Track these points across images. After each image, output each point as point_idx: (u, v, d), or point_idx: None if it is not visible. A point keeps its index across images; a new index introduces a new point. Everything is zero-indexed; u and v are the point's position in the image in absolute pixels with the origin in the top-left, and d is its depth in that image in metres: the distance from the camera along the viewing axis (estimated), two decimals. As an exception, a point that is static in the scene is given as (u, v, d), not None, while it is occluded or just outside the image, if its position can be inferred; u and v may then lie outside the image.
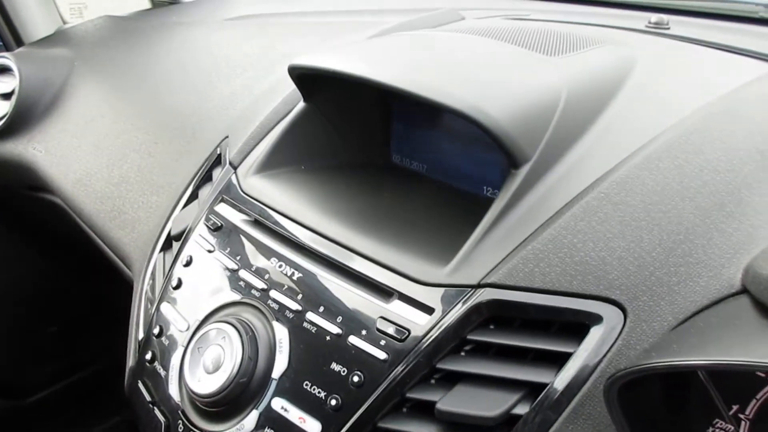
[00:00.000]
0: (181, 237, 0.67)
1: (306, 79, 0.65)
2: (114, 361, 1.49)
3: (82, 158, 0.94)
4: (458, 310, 0.47)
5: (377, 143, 0.72)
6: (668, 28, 0.83)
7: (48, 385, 1.38)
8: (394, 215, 0.60)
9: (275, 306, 0.54)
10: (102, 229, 0.84)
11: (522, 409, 0.44)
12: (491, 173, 0.63)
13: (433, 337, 0.47)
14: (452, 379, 0.47)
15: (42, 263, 1.33)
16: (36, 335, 1.36)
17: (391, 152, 0.72)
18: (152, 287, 0.66)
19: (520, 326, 0.47)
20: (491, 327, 0.47)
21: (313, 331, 0.51)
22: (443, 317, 0.47)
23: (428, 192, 0.66)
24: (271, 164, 0.67)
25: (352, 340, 0.49)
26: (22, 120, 1.06)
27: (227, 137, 0.75)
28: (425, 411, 0.47)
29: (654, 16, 0.84)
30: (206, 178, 0.73)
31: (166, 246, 0.70)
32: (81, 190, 0.90)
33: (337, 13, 1.12)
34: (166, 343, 0.59)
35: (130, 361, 0.63)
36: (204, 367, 0.52)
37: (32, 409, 1.34)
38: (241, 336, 0.52)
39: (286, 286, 0.54)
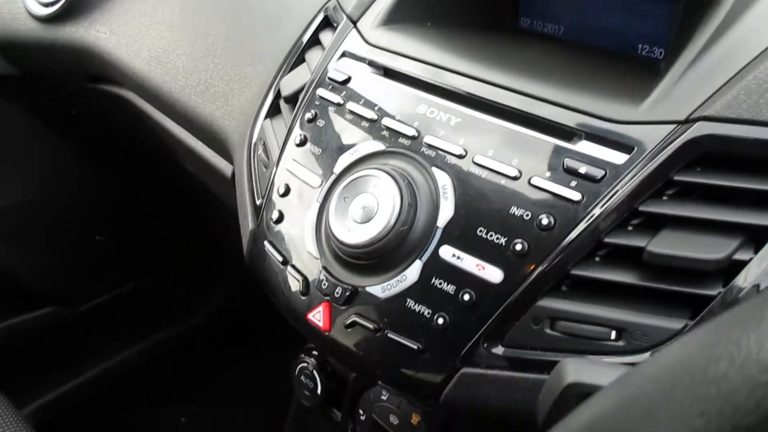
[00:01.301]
0: (296, 98, 0.60)
1: None
2: (164, 273, 1.46)
3: (156, 36, 0.86)
4: (664, 148, 0.41)
5: (504, 4, 0.65)
6: None
7: (100, 294, 1.34)
8: (552, 66, 0.54)
9: (431, 153, 0.48)
10: (187, 105, 0.78)
11: (745, 255, 0.39)
12: (649, 26, 0.56)
13: (633, 178, 0.41)
14: (652, 226, 0.41)
15: (95, 169, 1.28)
16: (88, 244, 1.32)
17: (519, 15, 0.65)
18: (265, 151, 0.60)
19: (729, 167, 0.41)
20: (698, 169, 0.42)
21: (482, 175, 0.45)
22: (645, 156, 0.42)
23: (574, 52, 0.59)
24: (395, 18, 0.60)
25: (536, 181, 0.43)
26: (80, 2, 0.99)
27: (331, -1, 0.68)
28: (622, 258, 0.41)
29: None
30: (313, 42, 0.66)
31: (273, 113, 0.64)
32: (158, 68, 0.83)
33: None
34: (296, 200, 0.54)
35: (250, 225, 0.58)
36: (353, 218, 0.47)
37: (85, 316, 1.32)
38: (396, 181, 0.46)
39: (442, 132, 0.48)
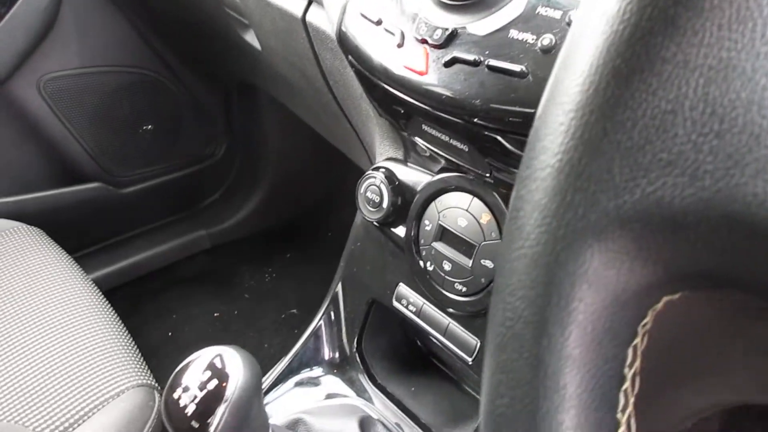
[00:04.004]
0: None
1: None
2: (207, 169, 1.48)
3: None
4: None
5: None
6: None
7: (143, 180, 1.37)
8: None
9: None
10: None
11: None
12: None
13: None
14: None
15: (150, 56, 1.30)
16: (136, 131, 1.34)
17: None
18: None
19: None
20: None
21: None
22: None
23: None
24: None
25: None
26: None
27: None
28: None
29: None
30: None
31: None
32: None
33: None
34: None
35: (341, 1, 0.59)
36: None
37: (127, 199, 1.34)
38: None
39: None
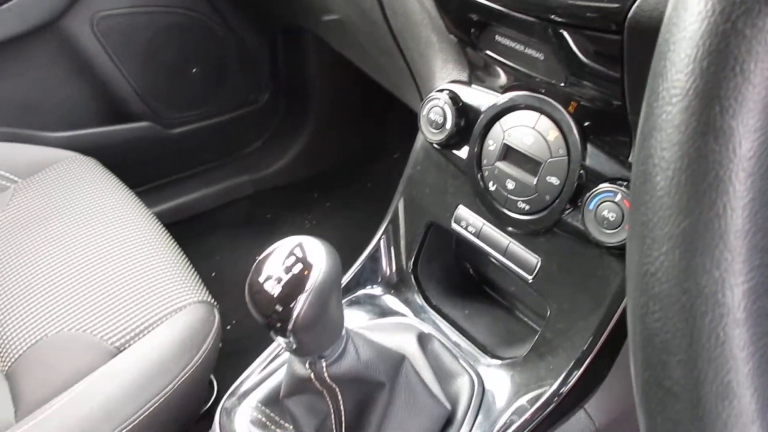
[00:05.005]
0: None
1: None
2: (254, 112, 1.49)
3: None
4: None
5: None
6: None
7: (188, 123, 1.39)
8: None
9: None
10: None
11: None
12: None
13: None
14: None
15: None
16: (183, 73, 1.36)
17: None
18: None
19: None
20: None
21: None
22: None
23: None
24: None
25: None
26: None
27: None
28: None
29: None
30: None
31: None
32: None
33: None
34: None
35: None
36: None
37: (174, 138, 1.37)
38: None
39: None
